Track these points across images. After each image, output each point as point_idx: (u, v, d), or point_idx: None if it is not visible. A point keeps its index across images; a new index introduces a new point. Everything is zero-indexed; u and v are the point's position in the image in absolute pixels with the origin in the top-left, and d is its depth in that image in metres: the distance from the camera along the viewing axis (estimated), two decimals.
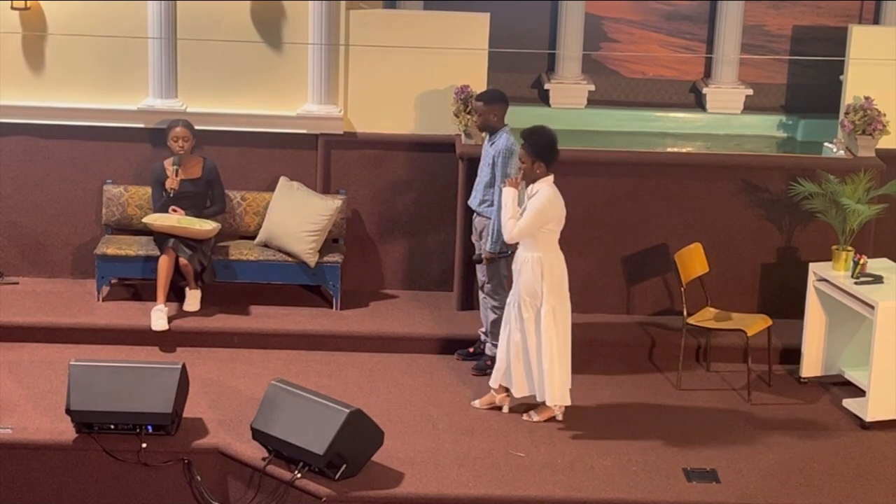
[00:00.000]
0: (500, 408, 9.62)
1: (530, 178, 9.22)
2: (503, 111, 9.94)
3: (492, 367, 10.15)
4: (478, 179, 10.11)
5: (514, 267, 9.39)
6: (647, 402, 9.87)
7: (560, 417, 9.50)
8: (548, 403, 9.41)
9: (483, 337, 10.33)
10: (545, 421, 9.48)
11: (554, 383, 9.31)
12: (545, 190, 9.18)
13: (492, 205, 9.85)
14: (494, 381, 9.58)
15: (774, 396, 10.04)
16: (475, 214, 10.14)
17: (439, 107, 10.97)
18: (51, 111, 11.01)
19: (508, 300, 9.45)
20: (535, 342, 9.31)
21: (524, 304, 9.29)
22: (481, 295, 10.25)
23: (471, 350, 10.40)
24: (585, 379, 10.17)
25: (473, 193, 10.15)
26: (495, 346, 10.12)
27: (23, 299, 10.87)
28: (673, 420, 9.61)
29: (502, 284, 10.00)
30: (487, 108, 9.89)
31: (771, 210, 10.87)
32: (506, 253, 9.89)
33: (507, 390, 9.57)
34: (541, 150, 9.18)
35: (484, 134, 10.17)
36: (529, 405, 9.55)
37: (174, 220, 10.55)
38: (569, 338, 9.40)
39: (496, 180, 9.81)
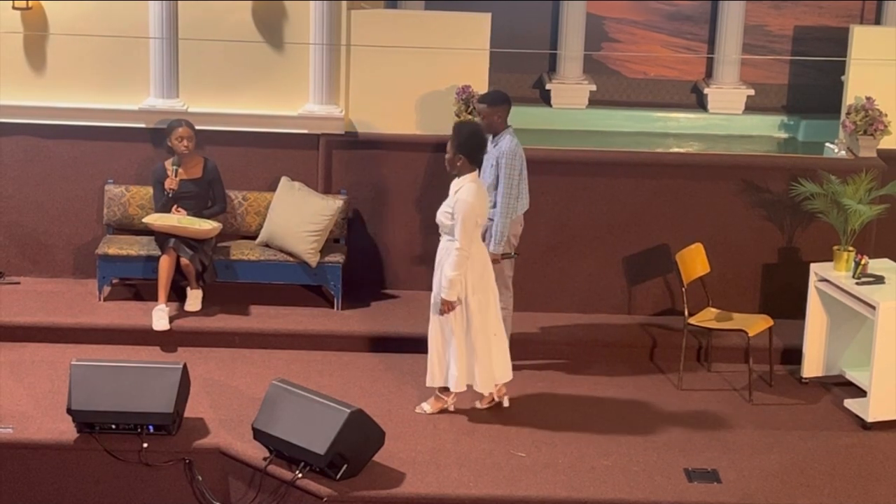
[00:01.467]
0: (500, 403, 9.68)
1: (453, 170, 9.19)
2: (506, 112, 9.93)
3: None
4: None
5: (437, 258, 9.34)
6: (649, 403, 9.87)
7: (507, 403, 9.57)
8: (482, 391, 9.46)
9: None
10: (487, 407, 9.58)
11: (483, 371, 9.33)
12: (467, 188, 9.13)
13: (494, 206, 9.84)
14: (434, 382, 9.56)
15: (776, 397, 10.04)
16: None
17: (441, 107, 10.97)
18: (52, 111, 11.02)
19: (433, 292, 9.40)
20: (463, 335, 9.32)
21: (470, 299, 9.28)
22: None
23: None
24: (587, 379, 10.18)
25: None
26: None
27: (24, 299, 10.87)
28: (674, 420, 9.61)
29: (506, 285, 9.99)
30: (491, 110, 9.87)
31: (772, 210, 10.87)
32: (509, 255, 9.89)
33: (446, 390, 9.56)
34: (462, 144, 9.13)
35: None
36: (475, 396, 9.58)
37: (174, 220, 10.55)
38: (499, 326, 9.42)
39: (499, 182, 9.80)
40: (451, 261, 9.12)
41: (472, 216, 9.09)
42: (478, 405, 9.68)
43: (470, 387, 9.47)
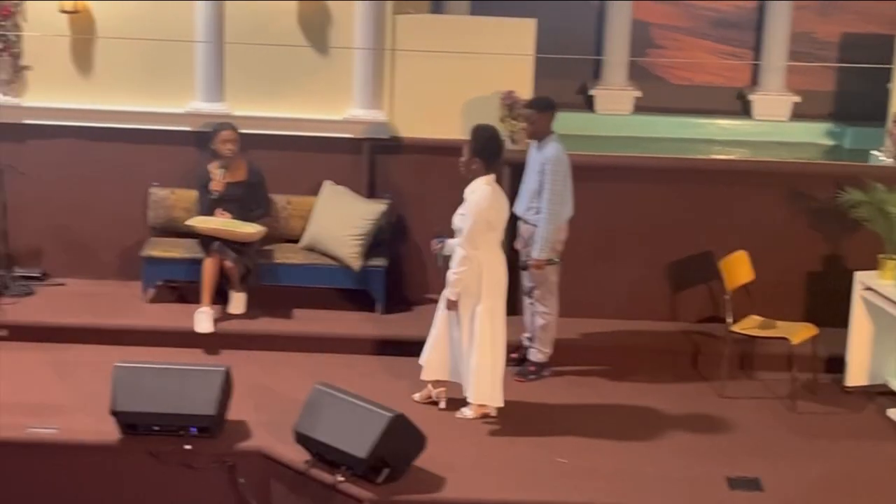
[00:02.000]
0: (436, 402, 9.67)
1: (468, 174, 9.20)
2: (552, 118, 9.92)
3: (535, 372, 10.16)
4: (525, 186, 10.09)
5: (451, 262, 9.30)
6: (691, 410, 9.83)
7: (494, 413, 9.49)
8: (473, 401, 9.42)
9: (526, 342, 10.32)
10: (478, 418, 9.48)
11: (483, 382, 9.31)
12: (481, 190, 9.14)
13: (538, 212, 9.82)
14: (427, 375, 9.59)
15: (819, 405, 9.99)
16: (521, 221, 10.12)
17: (485, 112, 10.96)
18: (98, 114, 11.08)
19: (443, 294, 9.40)
20: (468, 339, 9.30)
21: (460, 301, 9.27)
22: (526, 301, 10.25)
23: (513, 355, 10.39)
24: (629, 385, 10.16)
25: (519, 200, 10.13)
26: (540, 351, 10.13)
27: (69, 301, 10.94)
28: (716, 428, 9.57)
29: (551, 291, 9.99)
30: (537, 116, 9.87)
31: (817, 218, 10.82)
32: (553, 261, 9.87)
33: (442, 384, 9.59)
34: (480, 148, 9.15)
35: (529, 140, 10.16)
36: (464, 402, 9.55)
37: (219, 222, 10.59)
38: (503, 338, 9.38)
39: (543, 188, 9.80)
40: (455, 258, 9.16)
41: (483, 218, 9.10)
42: (416, 398, 9.68)
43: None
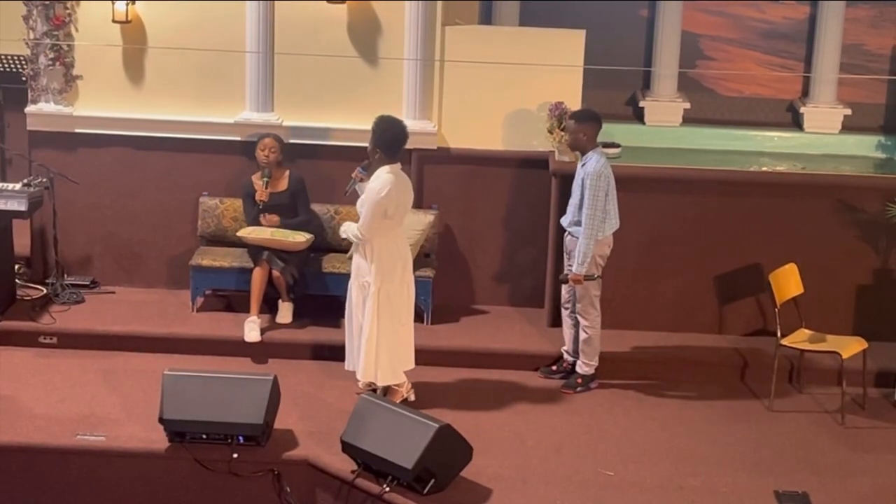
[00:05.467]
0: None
1: (372, 163, 9.43)
2: (595, 131, 9.89)
3: (582, 384, 10.14)
4: (571, 199, 10.08)
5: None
6: (739, 423, 9.78)
7: (412, 397, 9.58)
8: (360, 378, 9.53)
9: (566, 355, 10.30)
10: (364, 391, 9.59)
11: (369, 361, 9.42)
12: (379, 179, 9.30)
13: (579, 224, 9.82)
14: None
15: (868, 420, 9.92)
16: (567, 233, 10.11)
17: (533, 123, 10.97)
18: (149, 123, 11.15)
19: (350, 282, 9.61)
20: (359, 320, 9.49)
21: (354, 284, 9.50)
22: (564, 313, 10.24)
23: (553, 367, 10.39)
24: (676, 398, 10.12)
25: (567, 212, 10.13)
26: (586, 364, 10.11)
27: (118, 309, 11.00)
28: (764, 441, 9.52)
29: (593, 304, 9.98)
30: (578, 127, 9.85)
31: (868, 231, 10.74)
32: (592, 276, 9.86)
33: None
34: (378, 139, 9.35)
35: (577, 153, 10.15)
36: (386, 389, 9.62)
37: (268, 233, 10.63)
38: (401, 320, 9.49)
39: (583, 202, 9.79)
40: (352, 230, 9.42)
41: (379, 206, 9.24)
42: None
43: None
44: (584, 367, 10.16)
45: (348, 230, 9.50)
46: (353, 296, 9.56)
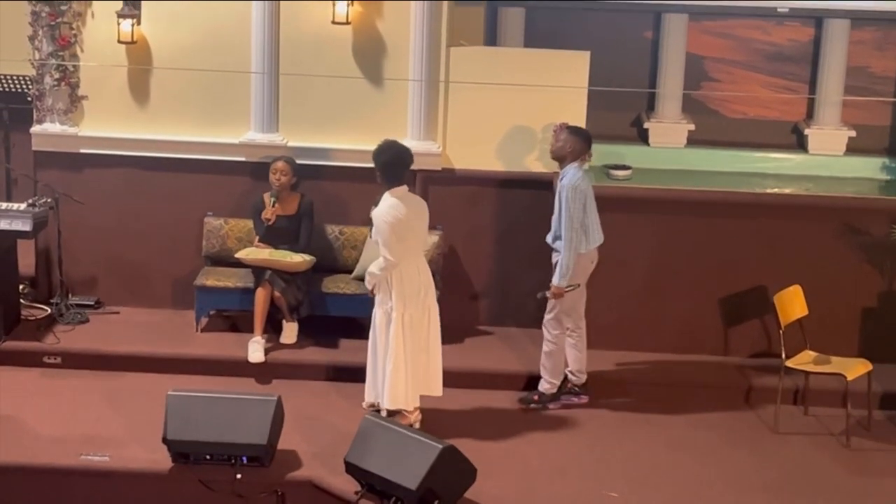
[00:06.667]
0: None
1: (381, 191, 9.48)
2: (581, 149, 9.90)
3: (539, 402, 10.13)
4: (553, 215, 10.08)
5: None
6: (743, 445, 9.77)
7: (417, 425, 9.52)
8: (387, 407, 9.47)
9: (570, 375, 10.28)
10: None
11: (397, 388, 9.40)
12: (383, 203, 9.35)
13: (560, 238, 9.84)
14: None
15: (873, 442, 9.90)
16: (552, 251, 10.10)
17: (538, 144, 10.97)
18: (154, 143, 11.16)
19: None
20: (384, 346, 9.45)
21: (378, 312, 9.47)
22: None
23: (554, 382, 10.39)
24: (681, 420, 10.10)
25: (551, 229, 10.12)
26: (547, 381, 10.13)
27: (123, 329, 11.00)
28: (769, 463, 9.50)
29: (559, 320, 10.00)
30: (568, 138, 9.90)
31: (872, 253, 10.74)
32: (572, 287, 9.86)
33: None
34: (381, 165, 9.40)
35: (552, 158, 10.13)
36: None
37: (266, 253, 10.65)
38: (424, 346, 9.47)
39: (562, 216, 9.81)
40: (378, 261, 9.37)
41: (387, 229, 9.25)
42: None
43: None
44: (545, 384, 10.16)
45: (372, 268, 9.43)
46: (377, 324, 9.50)
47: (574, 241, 9.77)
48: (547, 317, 10.07)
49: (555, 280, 9.86)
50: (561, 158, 9.95)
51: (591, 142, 9.99)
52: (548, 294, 9.93)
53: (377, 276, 9.40)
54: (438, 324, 9.60)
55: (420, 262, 9.50)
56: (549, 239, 10.10)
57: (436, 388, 9.63)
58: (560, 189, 9.85)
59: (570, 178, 9.81)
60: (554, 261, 10.03)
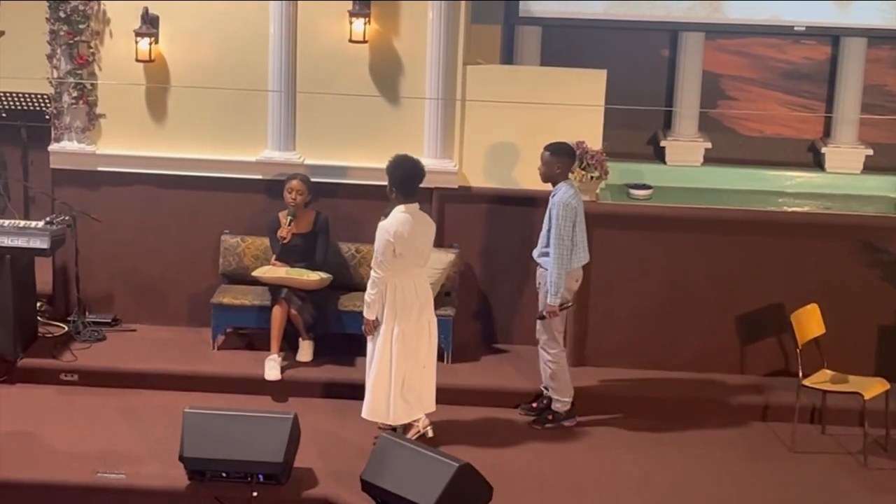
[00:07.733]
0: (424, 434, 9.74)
1: (391, 202, 9.47)
2: (567, 165, 9.99)
3: (554, 421, 10.12)
4: (542, 230, 10.11)
5: None
6: (761, 464, 9.74)
7: (430, 433, 9.61)
8: (365, 416, 9.55)
9: (546, 391, 10.28)
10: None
11: (377, 399, 9.47)
12: (390, 217, 9.36)
13: (548, 255, 9.86)
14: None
15: (891, 461, 9.87)
16: (537, 266, 10.11)
17: None
18: (171, 161, 11.19)
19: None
20: (369, 357, 9.55)
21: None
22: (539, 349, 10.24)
23: (534, 405, 10.37)
24: (698, 438, 10.08)
25: (538, 244, 10.13)
26: (558, 401, 10.14)
27: (140, 346, 11.02)
28: (786, 483, 9.47)
29: (555, 339, 10.03)
30: (551, 160, 9.93)
31: (890, 272, 10.71)
32: (567, 305, 9.86)
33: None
34: (394, 181, 9.42)
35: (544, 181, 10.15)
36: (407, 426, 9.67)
37: (282, 271, 10.66)
38: (420, 361, 9.50)
39: (551, 232, 9.81)
40: (368, 284, 9.42)
41: (387, 243, 9.25)
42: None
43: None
44: (556, 404, 10.16)
45: (366, 297, 9.50)
46: (370, 337, 9.57)
47: (563, 258, 9.80)
48: (543, 339, 10.09)
49: (549, 300, 9.88)
50: (552, 180, 9.98)
51: (575, 154, 10.04)
52: (544, 314, 9.95)
53: (374, 297, 9.40)
54: (436, 340, 9.63)
55: (419, 280, 9.51)
56: (535, 254, 10.12)
57: (428, 404, 9.66)
58: (551, 206, 9.89)
59: (562, 195, 9.85)
60: (539, 278, 10.04)
